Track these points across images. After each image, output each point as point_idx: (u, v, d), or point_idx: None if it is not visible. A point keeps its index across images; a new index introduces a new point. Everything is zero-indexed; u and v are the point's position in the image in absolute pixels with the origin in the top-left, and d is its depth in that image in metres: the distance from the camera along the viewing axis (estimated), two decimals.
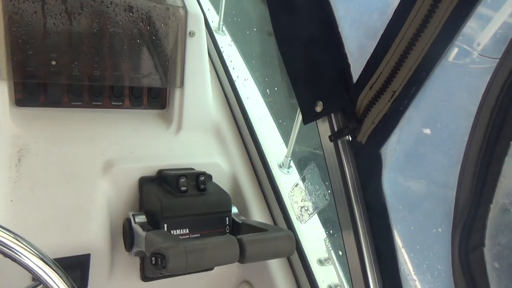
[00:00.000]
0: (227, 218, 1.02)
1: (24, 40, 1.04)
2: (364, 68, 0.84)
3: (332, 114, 0.91)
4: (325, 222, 1.24)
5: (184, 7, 1.24)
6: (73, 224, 0.95)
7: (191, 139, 1.25)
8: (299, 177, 1.23)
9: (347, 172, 0.87)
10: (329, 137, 0.89)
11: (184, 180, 1.01)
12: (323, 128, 0.93)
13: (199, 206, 1.00)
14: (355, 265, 0.84)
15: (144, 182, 1.08)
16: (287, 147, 1.33)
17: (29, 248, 0.59)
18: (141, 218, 0.99)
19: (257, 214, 1.15)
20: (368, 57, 0.83)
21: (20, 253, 0.58)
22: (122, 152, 1.12)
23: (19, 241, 0.59)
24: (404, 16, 0.74)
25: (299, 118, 1.35)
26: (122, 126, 1.20)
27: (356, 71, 0.88)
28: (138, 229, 0.94)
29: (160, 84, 1.24)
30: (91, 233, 0.96)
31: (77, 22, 1.10)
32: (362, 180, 0.86)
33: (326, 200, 0.99)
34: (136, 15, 1.17)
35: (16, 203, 0.91)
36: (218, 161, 1.21)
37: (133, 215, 0.99)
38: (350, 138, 0.88)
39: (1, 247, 0.57)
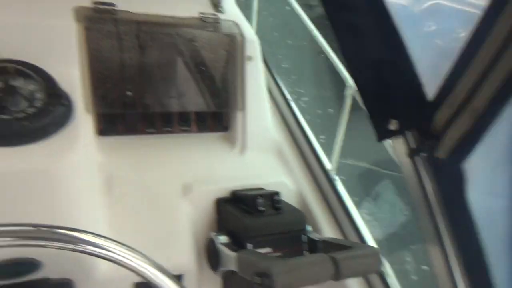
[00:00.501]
0: (304, 236, 1.06)
1: (104, 74, 1.11)
2: (441, 86, 0.87)
3: (408, 131, 0.94)
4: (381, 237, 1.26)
5: (241, 33, 1.30)
6: (164, 246, 1.00)
7: (255, 159, 1.30)
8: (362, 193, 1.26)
9: (428, 188, 0.89)
10: (407, 154, 0.93)
11: (261, 200, 1.05)
12: (398, 145, 0.96)
13: (277, 225, 1.04)
14: (444, 281, 0.86)
15: (220, 203, 1.13)
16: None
17: (156, 266, 0.64)
18: (224, 239, 1.03)
19: (328, 231, 1.19)
20: (443, 76, 0.87)
21: (150, 271, 0.63)
22: (195, 174, 1.18)
23: (147, 260, 0.64)
24: (483, 37, 0.78)
25: (341, 131, 1.38)
26: (191, 149, 1.25)
27: (429, 89, 0.92)
28: (224, 249, 0.98)
29: (223, 108, 1.30)
30: (181, 254, 1.01)
31: (148, 54, 1.17)
32: (444, 196, 0.88)
33: (404, 215, 1.02)
34: (199, 44, 1.24)
35: (112, 228, 0.97)
36: (284, 180, 1.25)
37: (215, 235, 1.04)
38: (428, 154, 0.91)
39: (134, 266, 0.62)
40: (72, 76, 1.03)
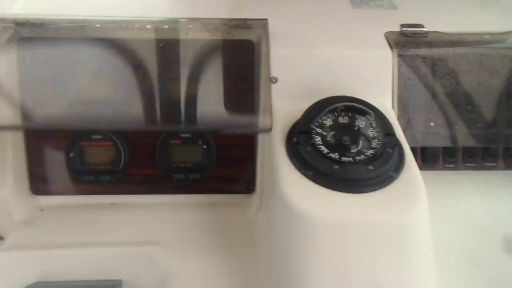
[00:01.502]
0: None
1: (411, 103, 1.00)
2: None
3: None
4: None
5: None
6: None
7: None
8: None
9: None
10: None
11: None
12: None
13: None
14: None
15: None
16: None
17: None
18: None
19: None
20: None
21: None
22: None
23: None
24: None
25: None
26: (499, 190, 1.05)
27: None
28: None
29: None
30: None
31: (461, 79, 1.01)
32: None
33: None
34: (494, 64, 1.01)
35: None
36: None
37: None
38: None
39: None
40: (385, 107, 0.95)
